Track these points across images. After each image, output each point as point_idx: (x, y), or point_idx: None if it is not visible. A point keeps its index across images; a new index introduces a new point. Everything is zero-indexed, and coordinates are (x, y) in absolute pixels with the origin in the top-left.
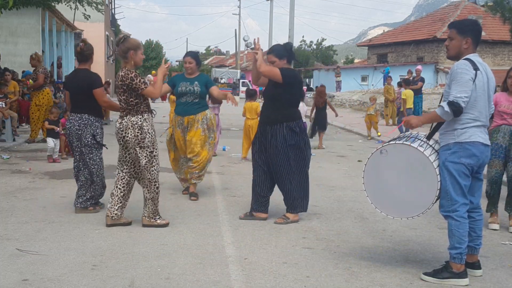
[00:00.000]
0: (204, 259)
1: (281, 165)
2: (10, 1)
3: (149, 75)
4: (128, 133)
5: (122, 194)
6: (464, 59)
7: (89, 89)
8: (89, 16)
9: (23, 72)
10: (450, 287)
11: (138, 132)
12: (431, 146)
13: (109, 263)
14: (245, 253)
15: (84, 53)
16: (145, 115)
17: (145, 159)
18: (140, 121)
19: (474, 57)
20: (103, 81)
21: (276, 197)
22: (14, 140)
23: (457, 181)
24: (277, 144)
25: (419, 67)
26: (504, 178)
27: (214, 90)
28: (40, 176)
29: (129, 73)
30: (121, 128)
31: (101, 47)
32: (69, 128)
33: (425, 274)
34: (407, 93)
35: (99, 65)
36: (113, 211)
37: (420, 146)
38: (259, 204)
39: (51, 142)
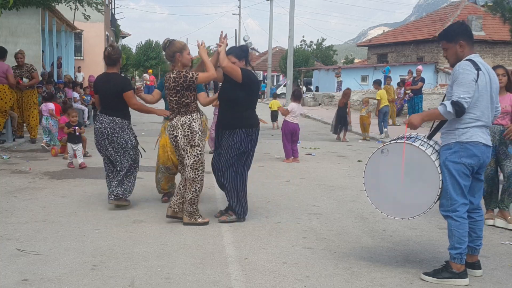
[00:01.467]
0: (204, 259)
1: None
2: (10, 0)
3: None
4: (178, 133)
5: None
6: (466, 59)
7: (120, 93)
8: (89, 16)
9: None
10: (450, 287)
11: (188, 131)
12: (431, 146)
13: (109, 263)
14: (245, 253)
15: (112, 57)
16: (194, 114)
17: (193, 158)
18: (189, 120)
19: (475, 57)
20: None
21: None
22: (14, 140)
23: (457, 181)
24: (227, 146)
25: (419, 67)
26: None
27: (203, 97)
28: (40, 176)
29: (180, 72)
30: (171, 128)
31: (101, 47)
32: (99, 128)
33: (425, 274)
34: (381, 94)
35: (99, 65)
36: (173, 204)
37: (421, 146)
38: None
39: (71, 149)
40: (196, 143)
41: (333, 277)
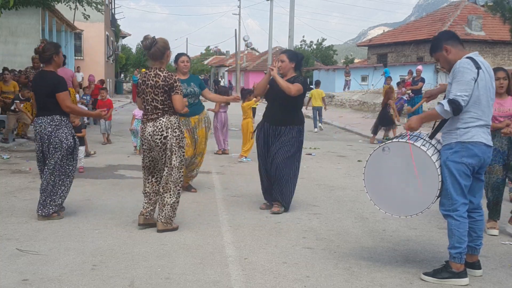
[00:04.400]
0: (204, 259)
1: (283, 162)
2: (11, 0)
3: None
4: (168, 133)
5: (154, 199)
6: (466, 57)
7: (53, 93)
8: (89, 16)
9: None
10: (450, 287)
11: (178, 132)
12: (433, 145)
13: (109, 263)
14: (245, 253)
15: (44, 55)
16: (177, 115)
17: (178, 159)
18: (178, 121)
19: (476, 56)
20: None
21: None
22: (14, 140)
23: (457, 181)
24: (284, 143)
25: (419, 67)
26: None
27: (208, 93)
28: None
29: (172, 74)
30: (160, 128)
31: (101, 47)
32: (40, 131)
33: (425, 274)
34: (314, 93)
35: (99, 65)
36: (148, 211)
37: (423, 145)
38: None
39: (82, 151)
40: (183, 144)
41: (333, 277)
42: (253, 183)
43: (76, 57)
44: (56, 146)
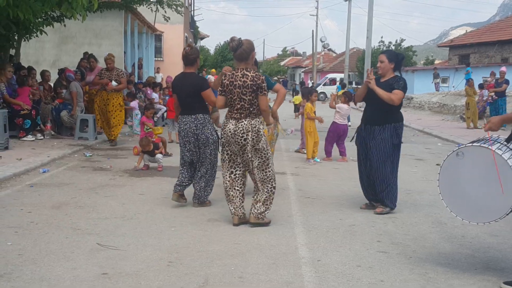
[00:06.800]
0: (277, 260)
1: (380, 162)
2: (95, 4)
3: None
4: (248, 136)
5: (241, 194)
6: None
7: (198, 92)
8: (169, 18)
9: None
10: None
11: (254, 135)
12: (511, 149)
13: (184, 260)
14: (319, 255)
15: (189, 57)
16: (260, 118)
17: (258, 159)
18: (258, 123)
19: None
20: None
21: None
22: (96, 138)
23: None
24: (378, 143)
25: (503, 68)
26: None
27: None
28: (120, 173)
29: (259, 75)
30: (241, 130)
31: (180, 49)
32: (184, 129)
33: (506, 283)
34: (299, 98)
35: (178, 66)
36: (240, 210)
37: (499, 149)
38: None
39: (146, 160)
40: (260, 146)
41: (408, 282)
42: (327, 185)
43: (156, 59)
44: (204, 142)
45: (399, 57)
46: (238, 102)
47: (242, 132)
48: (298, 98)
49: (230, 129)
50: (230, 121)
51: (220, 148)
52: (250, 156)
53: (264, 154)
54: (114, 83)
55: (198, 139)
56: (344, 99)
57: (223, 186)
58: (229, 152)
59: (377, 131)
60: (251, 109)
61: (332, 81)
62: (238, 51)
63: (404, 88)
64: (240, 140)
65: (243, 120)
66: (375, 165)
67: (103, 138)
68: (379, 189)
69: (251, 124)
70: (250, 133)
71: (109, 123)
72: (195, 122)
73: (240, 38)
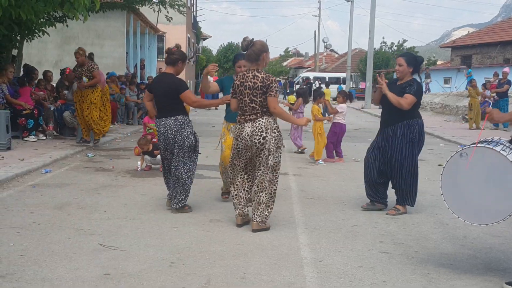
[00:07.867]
0: (279, 260)
1: (395, 162)
2: (97, 4)
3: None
4: (268, 133)
5: (248, 195)
6: None
7: (175, 94)
8: (171, 19)
9: (107, 73)
10: None
11: (277, 133)
12: None
13: (187, 260)
14: (321, 255)
15: (171, 56)
16: (274, 117)
17: (275, 159)
18: (275, 121)
19: None
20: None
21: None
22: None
23: None
24: (393, 144)
25: (506, 69)
26: None
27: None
28: (122, 174)
29: (269, 76)
30: (260, 129)
31: (182, 49)
32: (164, 132)
33: (508, 283)
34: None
35: None
36: (244, 210)
37: (503, 150)
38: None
39: (148, 160)
40: (281, 144)
41: (410, 282)
42: (330, 186)
43: (159, 59)
44: (180, 144)
45: (418, 61)
46: (249, 104)
47: (260, 131)
48: (293, 98)
49: (247, 132)
50: (246, 124)
51: (231, 154)
52: (267, 154)
53: (280, 154)
54: (84, 79)
55: (175, 140)
56: (342, 99)
57: (230, 189)
58: (245, 157)
59: (391, 131)
60: (264, 110)
61: (306, 80)
62: (248, 52)
63: (416, 93)
64: (259, 139)
65: (260, 119)
66: (394, 166)
67: (104, 139)
68: (397, 187)
69: (269, 122)
70: (269, 131)
71: (87, 123)
72: (176, 123)
73: (252, 38)
